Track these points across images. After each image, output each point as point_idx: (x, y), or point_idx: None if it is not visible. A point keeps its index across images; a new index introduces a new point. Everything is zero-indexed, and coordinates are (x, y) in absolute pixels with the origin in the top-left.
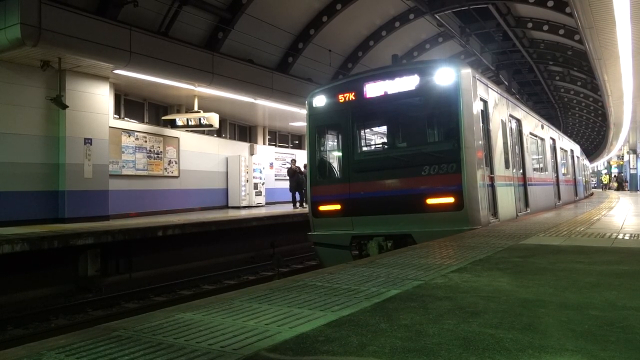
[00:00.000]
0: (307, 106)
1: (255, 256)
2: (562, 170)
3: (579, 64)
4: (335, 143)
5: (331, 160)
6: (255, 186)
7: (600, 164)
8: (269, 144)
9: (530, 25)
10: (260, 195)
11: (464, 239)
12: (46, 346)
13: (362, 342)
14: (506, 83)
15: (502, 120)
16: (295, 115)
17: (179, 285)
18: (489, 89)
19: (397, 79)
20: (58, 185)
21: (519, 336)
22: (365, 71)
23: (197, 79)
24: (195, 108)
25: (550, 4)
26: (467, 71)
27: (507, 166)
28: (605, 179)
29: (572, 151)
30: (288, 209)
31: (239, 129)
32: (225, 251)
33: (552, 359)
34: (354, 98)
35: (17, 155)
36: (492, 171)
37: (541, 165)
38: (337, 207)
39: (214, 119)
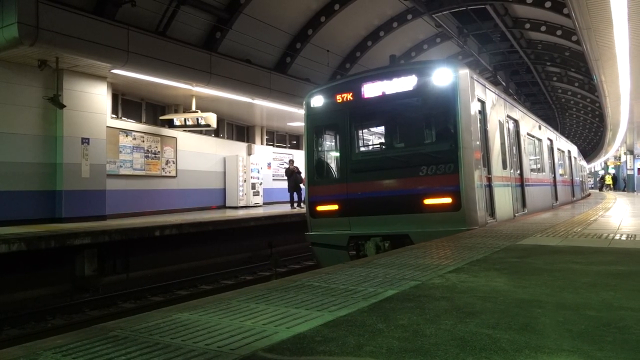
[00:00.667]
0: (304, 106)
1: (252, 256)
2: (559, 171)
3: (577, 64)
4: (333, 143)
5: (329, 161)
6: (253, 186)
7: (597, 164)
8: (267, 144)
9: (527, 26)
10: (258, 195)
11: (462, 239)
12: (43, 346)
13: (359, 342)
14: (504, 84)
15: (499, 121)
16: (293, 116)
17: (176, 285)
18: (487, 90)
19: (395, 80)
20: (55, 185)
21: (516, 336)
22: (363, 71)
23: (194, 78)
24: (193, 108)
25: (547, 4)
26: (464, 72)
27: (504, 167)
28: (608, 180)
29: (569, 152)
30: (286, 209)
31: (236, 129)
32: (222, 251)
33: (549, 359)
34: (351, 98)
35: (14, 154)
36: (489, 172)
37: (538, 166)
38: (335, 207)
39: (211, 118)
